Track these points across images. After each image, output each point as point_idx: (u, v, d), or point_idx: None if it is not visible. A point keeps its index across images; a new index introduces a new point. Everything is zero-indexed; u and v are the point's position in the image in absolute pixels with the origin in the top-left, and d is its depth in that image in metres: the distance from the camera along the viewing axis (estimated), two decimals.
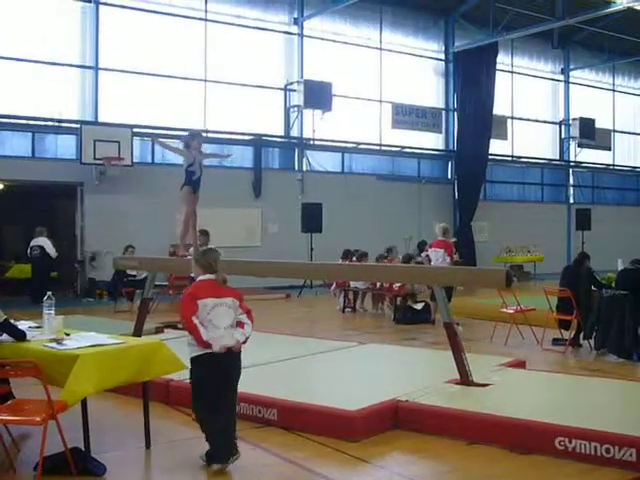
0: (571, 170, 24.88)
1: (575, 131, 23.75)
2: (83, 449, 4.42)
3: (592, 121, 23.85)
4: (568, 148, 24.46)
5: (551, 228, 22.80)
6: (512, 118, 22.87)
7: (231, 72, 17.49)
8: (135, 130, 15.67)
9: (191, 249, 8.11)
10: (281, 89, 18.51)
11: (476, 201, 20.89)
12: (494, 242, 21.03)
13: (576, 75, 24.72)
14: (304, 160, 18.84)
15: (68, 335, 4.92)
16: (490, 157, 21.34)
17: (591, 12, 18.28)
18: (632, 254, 9.65)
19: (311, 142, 18.82)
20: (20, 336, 4.73)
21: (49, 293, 5.11)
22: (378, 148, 20.22)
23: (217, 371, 4.40)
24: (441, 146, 21.63)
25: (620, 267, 9.13)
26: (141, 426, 4.87)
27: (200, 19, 17.23)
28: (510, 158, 22.98)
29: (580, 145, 24.23)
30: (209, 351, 4.33)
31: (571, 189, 24.87)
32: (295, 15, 18.65)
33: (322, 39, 19.04)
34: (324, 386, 6.18)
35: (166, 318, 10.05)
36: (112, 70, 15.97)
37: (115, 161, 15.10)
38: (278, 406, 5.36)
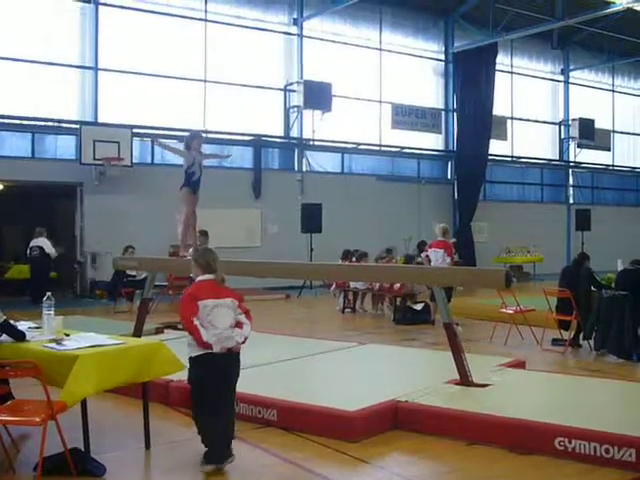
0: (571, 170, 24.89)
1: (575, 131, 23.76)
2: (83, 450, 4.42)
3: (592, 121, 23.87)
4: (568, 148, 24.47)
5: (551, 228, 22.81)
6: (512, 118, 22.88)
7: (231, 72, 17.50)
8: (135, 130, 15.68)
9: (191, 249, 8.11)
10: (281, 89, 18.52)
11: (476, 201, 20.90)
12: (494, 242, 21.03)
13: (576, 75, 24.73)
14: (304, 160, 18.84)
15: (68, 335, 4.91)
16: (490, 157, 21.35)
17: (591, 13, 18.29)
18: (632, 254, 9.65)
19: (311, 142, 18.82)
20: (20, 336, 4.73)
21: (49, 293, 5.11)
22: (378, 148, 20.23)
23: (217, 371, 4.40)
24: (441, 146, 21.64)
25: (620, 267, 9.14)
26: (141, 427, 4.87)
27: (200, 19, 17.24)
28: (510, 158, 22.99)
29: (580, 145, 24.24)
30: (209, 351, 4.33)
31: (571, 189, 24.88)
32: (295, 15, 18.66)
33: (322, 39, 19.05)
34: (324, 386, 6.18)
35: (166, 318, 10.04)
36: (112, 70, 15.98)
37: (115, 161, 15.11)
38: (278, 407, 5.35)
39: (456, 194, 21.22)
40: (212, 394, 4.40)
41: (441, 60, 21.52)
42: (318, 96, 18.02)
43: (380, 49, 20.12)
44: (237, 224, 16.95)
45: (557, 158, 24.49)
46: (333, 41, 19.23)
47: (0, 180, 15.53)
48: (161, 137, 14.48)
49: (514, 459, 4.63)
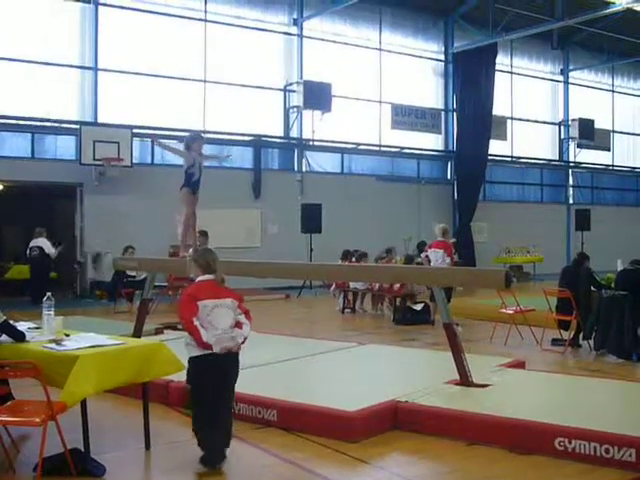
0: (570, 171, 24.90)
1: (574, 132, 23.77)
2: (83, 450, 4.41)
3: (591, 122, 23.87)
4: (567, 149, 24.48)
5: (550, 229, 22.81)
6: (511, 119, 22.89)
7: (231, 73, 17.50)
8: (135, 131, 15.68)
9: (191, 250, 8.10)
10: (281, 90, 18.52)
11: (475, 202, 20.90)
12: (493, 243, 21.04)
13: (575, 76, 24.74)
14: (304, 161, 18.85)
15: (68, 336, 4.91)
16: (489, 158, 21.36)
17: (590, 13, 18.30)
18: (631, 254, 9.65)
19: (311, 143, 18.82)
20: (19, 337, 4.73)
21: (49, 294, 5.11)
22: (377, 149, 20.23)
23: (216, 371, 4.40)
24: (440, 147, 21.65)
25: (619, 267, 9.14)
26: (141, 427, 4.87)
27: (200, 20, 17.24)
28: (509, 159, 22.99)
29: (579, 146, 24.24)
30: (209, 352, 4.33)
31: (570, 190, 24.89)
32: (295, 16, 18.66)
33: (322, 40, 19.05)
34: (324, 387, 6.18)
35: (166, 319, 10.04)
36: (111, 71, 15.99)
37: (115, 162, 15.11)
38: (278, 407, 5.36)
39: (456, 194, 21.22)
40: (212, 394, 4.40)
41: (441, 60, 21.52)
42: (318, 96, 18.02)
43: (380, 49, 20.12)
44: (237, 224, 16.95)
45: (557, 158, 24.50)
46: (333, 41, 19.24)
47: (0, 180, 15.53)
48: (161, 137, 14.47)
49: (514, 459, 4.63)
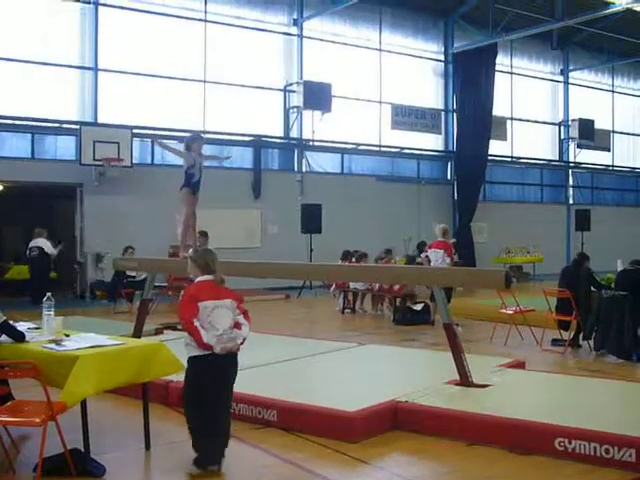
0: (570, 171, 24.90)
1: (574, 132, 23.77)
2: (83, 450, 4.42)
3: (591, 122, 23.87)
4: (567, 149, 24.48)
5: (550, 229, 22.81)
6: (511, 119, 22.89)
7: (230, 73, 17.50)
8: (135, 131, 15.67)
9: (191, 250, 8.09)
10: (280, 90, 18.52)
11: (475, 202, 20.90)
12: (493, 243, 21.03)
13: (575, 76, 24.74)
14: (304, 161, 18.85)
15: (67, 336, 4.91)
16: (489, 158, 21.35)
17: (590, 13, 18.30)
18: (631, 255, 9.65)
19: (310, 143, 18.82)
20: (19, 337, 4.73)
21: (48, 294, 5.11)
22: (377, 149, 20.23)
23: (215, 371, 4.40)
24: (440, 147, 21.64)
25: (619, 268, 9.14)
26: (141, 427, 4.87)
27: (199, 20, 17.24)
28: (509, 159, 22.99)
29: (579, 146, 24.24)
30: (209, 352, 4.33)
31: (570, 190, 24.89)
32: (294, 16, 18.66)
33: (322, 40, 19.05)
34: (324, 387, 6.18)
35: (166, 319, 10.05)
36: (111, 71, 15.98)
37: (115, 162, 15.11)
38: (278, 407, 5.36)
39: (456, 194, 21.22)
40: (211, 395, 4.40)
41: (441, 61, 21.52)
42: (318, 96, 18.02)
43: (380, 49, 20.12)
44: (237, 225, 16.95)
45: (557, 158, 24.50)
46: (333, 41, 19.23)
47: (0, 181, 15.52)
48: (161, 137, 14.46)
49: (514, 459, 4.63)
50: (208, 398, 4.39)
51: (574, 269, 9.07)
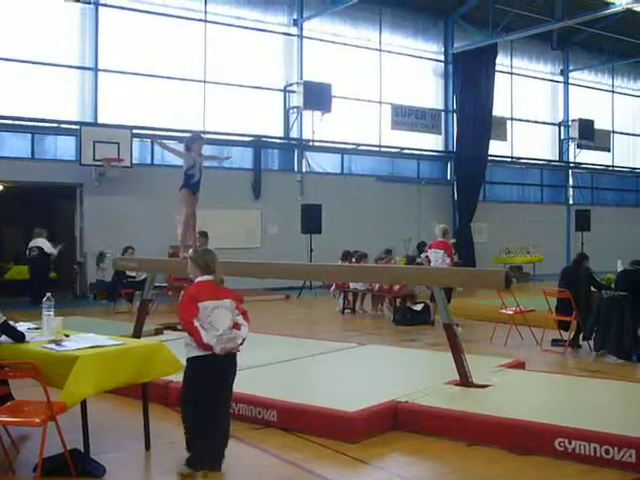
0: (570, 171, 24.90)
1: (574, 132, 23.77)
2: (82, 450, 4.42)
3: (591, 122, 23.88)
4: (567, 149, 24.48)
5: (550, 229, 22.81)
6: (511, 119, 22.89)
7: (230, 73, 17.50)
8: (134, 131, 15.68)
9: (191, 250, 8.09)
10: (280, 90, 18.52)
11: (475, 202, 20.90)
12: (493, 243, 21.03)
13: (575, 76, 24.74)
14: (304, 161, 18.85)
15: (67, 336, 4.91)
16: (489, 158, 21.36)
17: (590, 13, 18.30)
18: (631, 255, 9.65)
19: (310, 143, 18.82)
20: (19, 337, 4.73)
21: (48, 294, 5.11)
22: (377, 149, 20.23)
23: (215, 372, 4.39)
24: (440, 147, 21.65)
25: (619, 268, 9.14)
26: (141, 427, 4.87)
27: (199, 20, 17.24)
28: (509, 159, 22.99)
29: (579, 146, 24.25)
30: (208, 353, 4.33)
31: (570, 190, 24.89)
32: (294, 16, 18.66)
33: (321, 40, 19.05)
34: (324, 387, 6.18)
35: (165, 319, 10.05)
36: (112, 71, 15.98)
37: (114, 162, 15.11)
38: (278, 407, 5.36)
39: (456, 195, 21.22)
40: (210, 395, 4.40)
41: (441, 61, 21.53)
42: (318, 97, 18.02)
43: (380, 50, 20.12)
44: (237, 225, 16.95)
45: (557, 159, 24.50)
46: (333, 42, 19.24)
47: (0, 180, 15.52)
48: (161, 138, 14.46)
49: (514, 460, 4.63)
50: (207, 398, 4.39)
51: (574, 269, 9.07)
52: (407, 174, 20.76)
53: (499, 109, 21.72)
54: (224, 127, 17.28)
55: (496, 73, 21.19)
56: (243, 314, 4.54)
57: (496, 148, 21.71)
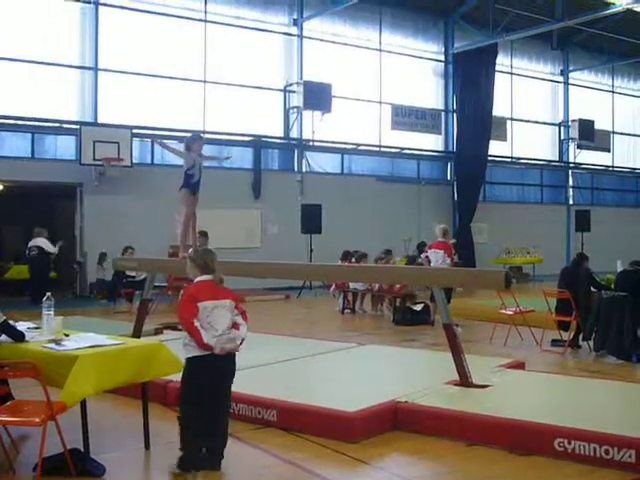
0: (570, 171, 24.90)
1: (574, 132, 23.78)
2: (82, 450, 4.42)
3: (591, 122, 23.88)
4: (567, 149, 24.48)
5: (550, 229, 22.81)
6: (511, 119, 22.89)
7: (230, 73, 17.51)
8: (134, 131, 15.68)
9: (190, 250, 8.10)
10: (281, 90, 18.53)
11: (475, 202, 20.90)
12: (493, 243, 21.04)
13: (575, 76, 24.74)
14: (303, 161, 18.85)
15: (67, 336, 4.91)
16: (489, 158, 21.36)
17: (590, 14, 18.30)
18: (631, 255, 9.65)
19: (311, 143, 18.83)
20: (19, 337, 4.72)
21: (48, 294, 5.11)
22: (377, 149, 20.24)
23: (214, 371, 4.40)
24: (440, 147, 21.65)
25: (619, 268, 9.14)
26: (140, 427, 4.87)
27: (199, 20, 17.24)
28: (509, 159, 22.99)
29: (579, 146, 24.25)
30: (208, 353, 4.33)
31: (570, 190, 24.89)
32: (295, 16, 18.66)
33: (322, 40, 19.06)
34: (323, 387, 6.18)
35: (165, 319, 10.04)
36: (112, 71, 15.99)
37: (114, 162, 15.11)
38: (277, 407, 5.36)
39: (456, 195, 21.22)
40: (209, 395, 4.40)
41: (441, 61, 21.53)
42: (318, 97, 18.03)
43: (380, 50, 20.12)
44: (237, 225, 16.95)
45: (557, 159, 24.50)
46: (333, 42, 19.24)
47: (0, 180, 15.53)
48: (161, 137, 14.45)
49: (514, 460, 4.63)
50: (206, 398, 4.39)
51: (573, 269, 9.07)
52: (407, 174, 20.76)
53: (499, 109, 21.72)
54: (224, 127, 17.29)
55: (496, 73, 21.19)
56: (242, 314, 4.55)
57: (496, 148, 21.71)
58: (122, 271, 12.05)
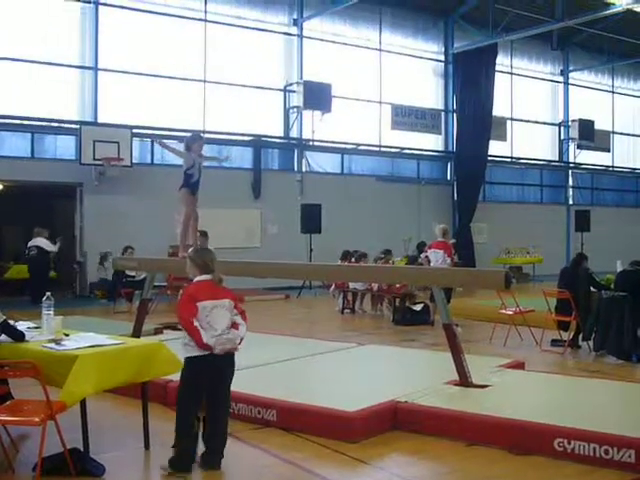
0: (570, 171, 24.90)
1: (574, 132, 23.77)
2: (82, 450, 4.41)
3: (591, 122, 23.88)
4: (567, 149, 24.48)
5: (550, 229, 22.81)
6: (511, 119, 22.89)
7: (231, 73, 17.50)
8: (134, 131, 15.68)
9: (190, 249, 8.09)
10: (281, 90, 18.52)
11: (475, 202, 20.90)
12: (493, 243, 21.03)
13: (575, 77, 24.74)
14: (303, 161, 18.85)
15: (67, 336, 4.91)
16: (489, 158, 21.36)
17: (590, 14, 18.30)
18: (631, 255, 9.65)
19: (310, 143, 18.83)
20: (19, 337, 4.72)
21: (48, 294, 5.11)
22: (377, 149, 20.23)
23: (213, 371, 4.40)
24: (440, 147, 21.65)
25: (619, 268, 9.14)
26: (140, 427, 4.87)
27: (200, 20, 17.24)
28: (509, 159, 22.99)
29: (579, 146, 24.24)
30: (208, 352, 4.33)
31: (570, 190, 24.89)
32: (295, 16, 18.66)
33: (322, 40, 19.05)
34: (323, 387, 6.18)
35: (165, 319, 10.04)
36: (112, 71, 15.98)
37: (114, 162, 15.11)
38: (277, 407, 5.36)
39: (456, 195, 21.22)
40: (209, 394, 4.40)
41: (441, 61, 21.53)
42: (318, 97, 18.02)
43: (380, 50, 20.12)
44: (237, 224, 16.95)
45: (557, 159, 24.50)
46: (333, 42, 19.24)
47: (0, 180, 15.52)
48: (161, 137, 14.45)
49: (513, 460, 4.63)
50: (206, 398, 4.39)
51: (572, 269, 9.07)
52: (407, 174, 20.76)
53: (499, 109, 21.72)
54: (224, 127, 17.28)
55: (496, 73, 21.19)
56: (241, 313, 4.55)
57: (496, 148, 21.71)
58: (122, 271, 12.06)
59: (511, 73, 22.90)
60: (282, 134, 18.59)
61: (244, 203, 17.48)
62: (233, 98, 17.54)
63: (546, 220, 22.69)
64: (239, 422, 5.26)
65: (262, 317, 11.31)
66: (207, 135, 15.48)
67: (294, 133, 18.68)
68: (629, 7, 17.92)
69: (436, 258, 10.42)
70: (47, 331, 4.93)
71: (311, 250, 16.86)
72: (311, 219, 16.85)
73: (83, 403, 4.39)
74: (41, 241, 14.29)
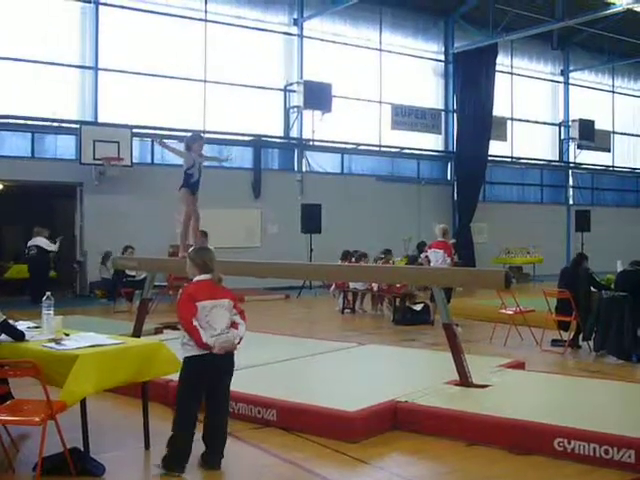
0: (570, 171, 24.89)
1: (575, 132, 23.77)
2: (82, 449, 4.41)
3: (592, 122, 23.87)
4: (567, 149, 24.48)
5: (550, 229, 22.80)
6: (512, 119, 22.89)
7: (231, 73, 17.50)
8: (134, 130, 15.68)
9: (190, 249, 8.10)
10: (281, 90, 18.52)
11: (475, 202, 20.90)
12: (493, 243, 21.03)
13: (576, 76, 24.74)
14: (304, 161, 18.85)
15: (67, 335, 4.91)
16: (489, 158, 21.35)
17: (591, 13, 18.30)
18: (631, 255, 9.65)
19: (311, 143, 18.82)
20: (19, 336, 4.72)
21: (48, 293, 5.11)
22: (378, 149, 20.23)
23: (213, 371, 4.40)
24: (440, 147, 21.65)
25: (619, 268, 9.14)
26: (140, 426, 4.87)
27: (200, 20, 17.24)
28: (509, 159, 22.99)
29: (580, 146, 24.24)
30: (207, 352, 4.33)
31: (570, 190, 24.89)
32: (295, 16, 18.66)
33: (322, 40, 19.05)
34: (323, 387, 6.18)
35: (165, 318, 10.04)
36: (112, 70, 15.98)
37: (114, 161, 15.11)
38: (277, 407, 5.36)
39: (456, 195, 21.22)
40: (209, 394, 4.40)
41: (441, 61, 21.52)
42: (318, 96, 18.02)
43: (380, 49, 20.12)
44: (237, 224, 16.95)
45: (557, 159, 24.50)
46: (333, 41, 19.23)
47: (0, 180, 15.52)
48: (161, 137, 14.44)
49: (514, 460, 4.63)
50: (205, 398, 4.39)
51: (573, 269, 9.07)
52: (407, 174, 20.76)
53: (499, 109, 21.71)
54: (224, 127, 17.28)
55: (496, 73, 21.18)
56: (240, 313, 4.55)
57: (496, 148, 21.70)
58: (122, 270, 12.06)
59: (511, 73, 22.90)
60: (282, 134, 18.59)
61: (244, 203, 17.48)
62: (233, 98, 17.54)
63: (546, 220, 22.69)
64: (239, 422, 5.26)
65: (262, 317, 11.32)
66: (207, 135, 15.47)
67: (294, 133, 18.68)
68: (629, 7, 17.91)
69: (436, 258, 10.42)
70: (47, 331, 4.94)
71: (311, 250, 16.86)
72: (311, 219, 16.85)
73: (83, 403, 4.39)
74: (41, 240, 14.30)
